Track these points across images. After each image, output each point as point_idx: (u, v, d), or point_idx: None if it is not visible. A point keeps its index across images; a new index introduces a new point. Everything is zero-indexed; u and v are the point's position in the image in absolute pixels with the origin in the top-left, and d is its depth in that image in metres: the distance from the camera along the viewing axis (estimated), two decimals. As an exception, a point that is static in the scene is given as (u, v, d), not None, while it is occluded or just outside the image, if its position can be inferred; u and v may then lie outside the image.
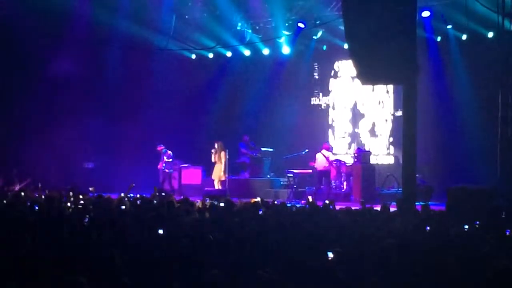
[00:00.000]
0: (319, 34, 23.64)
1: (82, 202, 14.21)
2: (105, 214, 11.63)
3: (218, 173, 22.51)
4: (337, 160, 22.29)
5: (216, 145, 22.61)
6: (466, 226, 9.88)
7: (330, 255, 7.13)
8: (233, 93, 25.68)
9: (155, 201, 14.54)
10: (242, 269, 6.52)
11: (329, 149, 22.38)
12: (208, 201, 15.41)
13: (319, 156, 21.75)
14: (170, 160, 23.08)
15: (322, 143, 22.50)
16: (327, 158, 21.63)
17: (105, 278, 6.11)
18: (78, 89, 24.00)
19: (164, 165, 23.02)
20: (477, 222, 10.23)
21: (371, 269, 6.75)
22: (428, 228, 9.95)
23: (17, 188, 20.59)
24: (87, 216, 10.90)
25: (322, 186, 21.65)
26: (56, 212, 11.75)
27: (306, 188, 22.01)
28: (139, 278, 6.30)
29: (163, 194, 17.03)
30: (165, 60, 24.70)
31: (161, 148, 23.13)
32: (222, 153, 22.41)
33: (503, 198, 14.24)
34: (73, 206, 13.61)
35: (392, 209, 13.50)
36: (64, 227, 9.23)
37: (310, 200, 16.04)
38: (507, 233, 9.44)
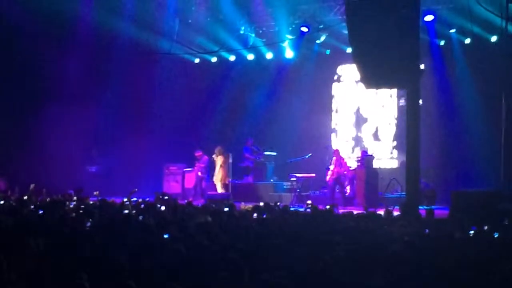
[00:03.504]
0: (323, 38, 23.68)
1: (84, 206, 14.19)
2: (109, 218, 11.62)
3: (217, 176, 22.54)
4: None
5: (216, 150, 22.62)
6: (472, 232, 9.85)
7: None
8: (236, 97, 25.65)
9: (158, 205, 14.53)
10: (246, 272, 6.51)
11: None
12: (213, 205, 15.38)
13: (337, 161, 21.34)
14: (203, 165, 23.03)
15: (332, 150, 22.33)
16: (345, 163, 21.50)
17: (110, 282, 6.11)
18: (81, 93, 23.98)
19: (200, 169, 23.02)
20: (474, 228, 10.20)
21: (375, 274, 6.74)
22: (432, 232, 9.93)
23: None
24: (90, 220, 10.90)
25: (325, 190, 21.65)
26: (60, 216, 11.74)
27: (310, 192, 21.99)
28: (143, 282, 6.29)
29: (166, 197, 17.01)
30: (169, 64, 24.73)
31: (199, 153, 23.05)
32: (219, 157, 22.40)
33: (507, 202, 14.19)
34: (76, 210, 13.60)
35: (395, 213, 13.50)
36: (67, 231, 9.23)
37: (309, 203, 16.01)
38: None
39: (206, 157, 22.93)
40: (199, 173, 22.90)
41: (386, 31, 14.13)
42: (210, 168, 23.09)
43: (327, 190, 21.47)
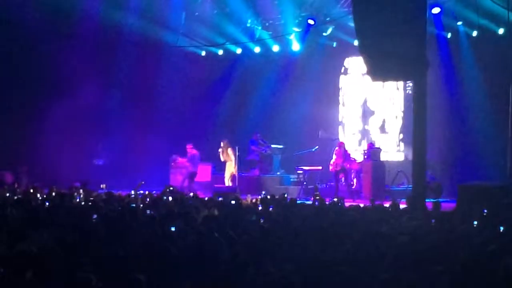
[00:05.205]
0: (329, 30, 23.62)
1: (91, 199, 14.24)
2: (115, 211, 11.65)
3: (230, 170, 22.47)
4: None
5: (222, 144, 22.54)
6: (476, 222, 9.84)
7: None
8: (243, 90, 25.63)
9: (164, 197, 14.56)
10: (251, 265, 6.51)
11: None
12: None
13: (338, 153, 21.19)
14: (188, 164, 22.94)
15: (337, 142, 22.21)
16: (348, 156, 21.42)
17: (116, 275, 6.12)
18: (87, 86, 23.97)
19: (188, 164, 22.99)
20: (481, 221, 10.18)
21: (382, 266, 6.74)
22: (439, 225, 9.92)
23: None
24: (96, 213, 10.92)
25: (332, 183, 21.62)
26: (67, 209, 11.78)
27: (317, 184, 21.93)
28: (148, 274, 6.31)
29: (171, 189, 17.02)
30: (175, 57, 24.70)
31: (189, 147, 22.92)
32: (230, 150, 22.33)
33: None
34: (83, 203, 13.65)
35: (402, 206, 13.49)
36: (74, 224, 9.25)
37: (317, 194, 15.98)
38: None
39: (195, 153, 22.57)
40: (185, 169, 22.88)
41: (392, 23, 14.08)
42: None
43: (333, 183, 21.43)
